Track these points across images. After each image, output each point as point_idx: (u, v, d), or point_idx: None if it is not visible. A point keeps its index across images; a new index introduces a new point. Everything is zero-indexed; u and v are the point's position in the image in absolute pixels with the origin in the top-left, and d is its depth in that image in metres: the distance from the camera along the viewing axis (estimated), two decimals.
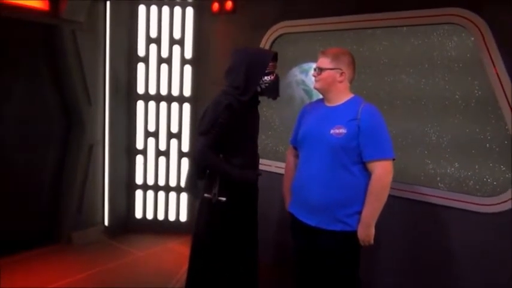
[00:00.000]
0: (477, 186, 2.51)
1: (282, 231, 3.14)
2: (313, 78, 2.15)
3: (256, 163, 2.34)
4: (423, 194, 2.63)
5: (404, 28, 2.77)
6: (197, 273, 2.27)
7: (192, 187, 2.32)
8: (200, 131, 2.15)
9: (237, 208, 2.22)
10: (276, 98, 2.29)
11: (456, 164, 2.58)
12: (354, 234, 2.00)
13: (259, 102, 2.31)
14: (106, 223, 4.01)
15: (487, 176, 2.47)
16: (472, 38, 2.49)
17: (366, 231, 1.98)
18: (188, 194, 3.84)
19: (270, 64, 2.17)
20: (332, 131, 1.99)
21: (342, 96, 2.08)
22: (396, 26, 2.78)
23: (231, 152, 2.19)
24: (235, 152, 2.19)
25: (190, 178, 2.31)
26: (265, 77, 2.16)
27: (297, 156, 2.26)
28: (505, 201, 2.36)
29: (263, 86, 2.18)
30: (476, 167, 2.51)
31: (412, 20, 2.68)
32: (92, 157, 3.80)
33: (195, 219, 2.35)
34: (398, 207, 2.66)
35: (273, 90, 2.21)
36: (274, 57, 2.23)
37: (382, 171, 1.96)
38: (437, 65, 2.64)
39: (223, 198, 2.15)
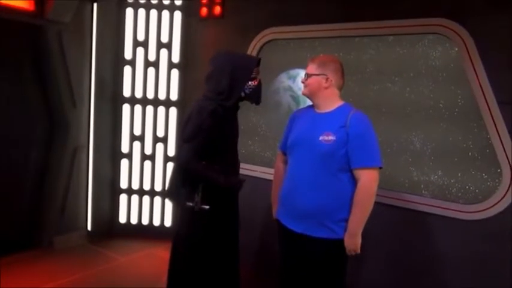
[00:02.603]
0: (460, 194, 2.55)
1: (267, 237, 3.14)
2: (301, 85, 2.17)
3: (237, 168, 2.33)
4: (407, 201, 2.66)
5: (391, 37, 2.81)
6: (177, 282, 2.24)
7: (175, 194, 2.28)
8: (184, 138, 2.12)
9: (220, 216, 2.20)
10: (259, 103, 2.31)
11: (439, 171, 2.62)
12: (340, 242, 2.00)
13: (239, 107, 2.31)
14: (89, 228, 3.94)
15: (470, 184, 2.51)
16: (456, 48, 2.54)
17: (353, 240, 1.98)
18: (170, 201, 3.81)
19: (254, 69, 2.19)
20: (321, 138, 1.99)
21: (331, 103, 2.09)
22: (382, 35, 2.82)
23: (214, 158, 2.17)
24: (217, 158, 2.17)
25: (173, 185, 2.28)
26: (249, 82, 2.17)
27: (285, 162, 2.25)
28: (488, 209, 2.40)
29: (247, 91, 2.19)
30: (459, 174, 2.55)
31: (398, 29, 2.72)
32: (75, 160, 3.74)
33: (176, 227, 2.30)
34: (382, 213, 2.67)
35: (256, 96, 2.23)
36: (258, 62, 2.24)
37: (367, 179, 1.96)
38: (421, 74, 2.68)
39: (207, 206, 2.12)
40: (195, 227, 2.18)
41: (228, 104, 2.12)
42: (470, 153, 2.51)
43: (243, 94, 2.18)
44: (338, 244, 2.00)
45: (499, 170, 2.39)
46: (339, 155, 1.97)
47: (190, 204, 2.14)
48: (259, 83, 2.25)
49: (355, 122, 1.98)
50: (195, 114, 2.10)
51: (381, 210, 2.66)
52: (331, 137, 1.97)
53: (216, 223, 2.20)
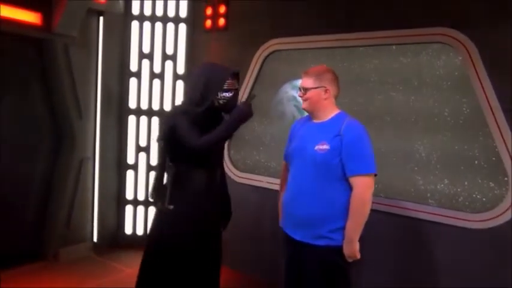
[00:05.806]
0: (467, 203, 2.53)
1: (274, 246, 3.12)
2: (299, 99, 2.17)
3: (208, 179, 2.26)
4: (414, 210, 2.65)
5: (394, 46, 2.82)
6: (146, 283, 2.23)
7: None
8: (181, 135, 2.13)
9: (186, 217, 2.18)
10: None
11: (446, 180, 2.61)
12: (339, 249, 2.00)
13: (218, 118, 2.23)
14: (95, 239, 3.95)
15: (476, 192, 2.50)
16: (460, 57, 2.54)
17: (350, 247, 1.98)
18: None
19: (230, 81, 2.15)
20: (316, 147, 2.02)
21: (328, 112, 2.11)
22: (386, 45, 2.83)
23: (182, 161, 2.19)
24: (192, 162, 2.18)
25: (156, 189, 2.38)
26: (224, 93, 2.13)
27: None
28: (496, 217, 2.38)
29: (221, 102, 2.14)
30: (466, 183, 2.53)
31: (401, 39, 2.74)
32: (81, 171, 3.76)
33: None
34: (388, 223, 2.66)
35: (230, 107, 2.16)
36: (235, 74, 2.20)
37: (362, 186, 1.97)
38: (426, 82, 2.69)
39: (171, 206, 2.15)
40: (163, 227, 2.21)
41: (197, 111, 2.10)
42: (476, 162, 2.50)
43: (216, 103, 2.14)
44: (337, 251, 2.01)
45: (505, 178, 2.38)
46: (334, 164, 1.99)
47: (159, 204, 2.19)
48: (236, 95, 2.19)
49: (349, 130, 2.01)
50: (172, 118, 2.14)
51: (388, 219, 2.65)
52: (326, 146, 2.00)
53: (182, 224, 2.18)
